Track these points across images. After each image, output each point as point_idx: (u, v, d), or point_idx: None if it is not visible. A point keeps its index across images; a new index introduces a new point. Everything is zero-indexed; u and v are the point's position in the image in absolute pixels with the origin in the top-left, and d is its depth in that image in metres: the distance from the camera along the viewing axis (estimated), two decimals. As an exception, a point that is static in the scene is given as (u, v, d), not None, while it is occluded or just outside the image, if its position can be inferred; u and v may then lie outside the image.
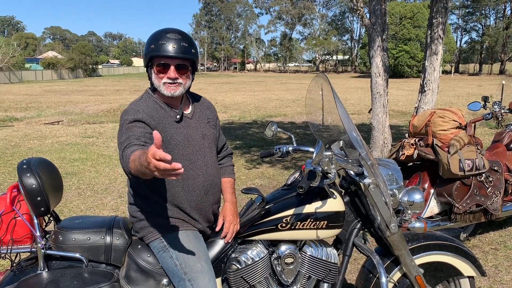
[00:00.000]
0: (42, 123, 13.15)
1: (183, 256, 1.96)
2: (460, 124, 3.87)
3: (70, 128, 11.91)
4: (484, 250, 3.95)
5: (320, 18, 77.73)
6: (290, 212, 2.08)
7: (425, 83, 5.54)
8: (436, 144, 3.83)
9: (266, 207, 2.14)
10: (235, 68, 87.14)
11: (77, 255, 1.97)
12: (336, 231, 2.14)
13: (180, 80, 2.02)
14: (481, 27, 60.71)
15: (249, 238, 2.15)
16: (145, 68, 2.07)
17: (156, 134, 1.36)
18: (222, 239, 2.15)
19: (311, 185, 1.89)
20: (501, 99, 4.90)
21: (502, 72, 48.63)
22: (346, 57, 79.73)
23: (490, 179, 3.80)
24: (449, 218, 3.82)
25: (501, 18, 55.44)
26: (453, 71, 50.24)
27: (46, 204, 1.94)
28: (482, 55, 57.33)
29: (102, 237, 2.02)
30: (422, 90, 5.61)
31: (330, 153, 1.88)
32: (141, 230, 2.07)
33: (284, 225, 2.08)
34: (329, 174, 1.90)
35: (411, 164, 4.26)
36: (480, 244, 4.07)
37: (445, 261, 2.36)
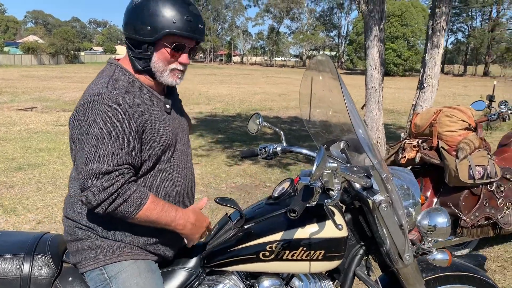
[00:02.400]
0: (14, 109, 12.35)
1: (128, 296, 1.43)
2: (469, 125, 3.41)
3: (43, 115, 11.17)
4: (490, 268, 3.51)
5: (308, 13, 77.12)
6: (277, 237, 1.56)
7: (425, 78, 5.07)
8: (442, 147, 3.36)
9: (245, 227, 1.63)
10: (221, 60, 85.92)
11: (-21, 292, 1.43)
12: (335, 263, 1.63)
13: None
14: (467, 28, 60.95)
15: (221, 269, 1.64)
16: (146, 45, 1.49)
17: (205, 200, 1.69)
18: (185, 269, 1.63)
19: (307, 205, 1.37)
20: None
21: (486, 74, 48.86)
22: (333, 53, 79.42)
23: (502, 188, 3.35)
24: (454, 232, 3.37)
25: (487, 20, 55.72)
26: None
27: None
28: (467, 56, 57.61)
29: (18, 266, 1.47)
30: (421, 86, 5.14)
31: (336, 164, 1.35)
32: (76, 254, 1.53)
33: (267, 254, 1.56)
34: (332, 192, 1.39)
35: (410, 167, 3.79)
36: (484, 260, 3.64)
37: (467, 296, 1.90)
